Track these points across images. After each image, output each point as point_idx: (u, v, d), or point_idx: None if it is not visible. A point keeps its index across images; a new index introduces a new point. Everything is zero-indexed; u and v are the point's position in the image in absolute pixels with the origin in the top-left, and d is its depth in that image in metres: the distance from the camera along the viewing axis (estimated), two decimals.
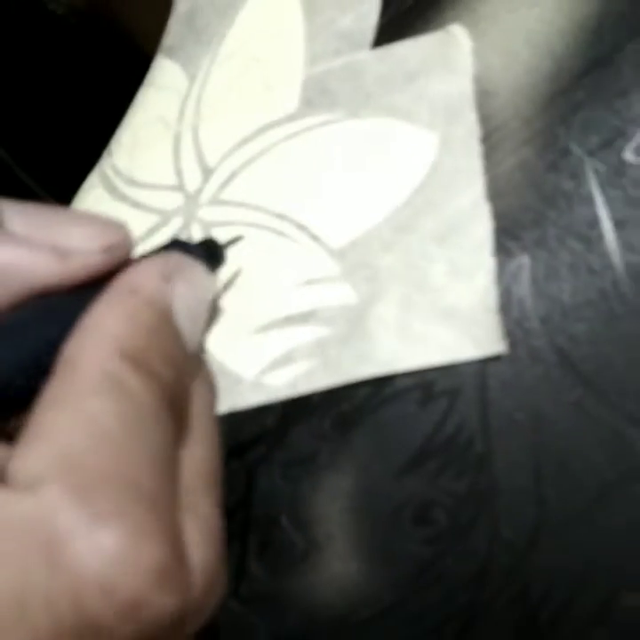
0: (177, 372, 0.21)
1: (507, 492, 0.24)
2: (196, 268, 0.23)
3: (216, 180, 0.27)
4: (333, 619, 0.25)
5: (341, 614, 0.25)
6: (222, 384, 0.26)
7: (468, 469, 0.24)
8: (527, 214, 0.24)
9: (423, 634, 0.24)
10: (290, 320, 0.25)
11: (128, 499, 0.18)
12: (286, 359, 0.25)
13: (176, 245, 0.25)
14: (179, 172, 0.28)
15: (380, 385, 0.24)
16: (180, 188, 0.28)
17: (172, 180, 0.28)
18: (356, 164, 0.26)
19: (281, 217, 0.26)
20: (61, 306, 0.22)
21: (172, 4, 0.41)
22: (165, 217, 0.28)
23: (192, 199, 0.28)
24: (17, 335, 0.21)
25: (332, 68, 0.27)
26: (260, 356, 0.25)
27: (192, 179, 0.28)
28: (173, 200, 0.28)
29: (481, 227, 0.24)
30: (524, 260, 0.24)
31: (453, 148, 0.25)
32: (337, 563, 0.25)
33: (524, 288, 0.24)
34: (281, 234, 0.26)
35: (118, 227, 0.23)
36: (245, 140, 0.27)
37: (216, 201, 0.27)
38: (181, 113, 0.29)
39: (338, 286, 0.25)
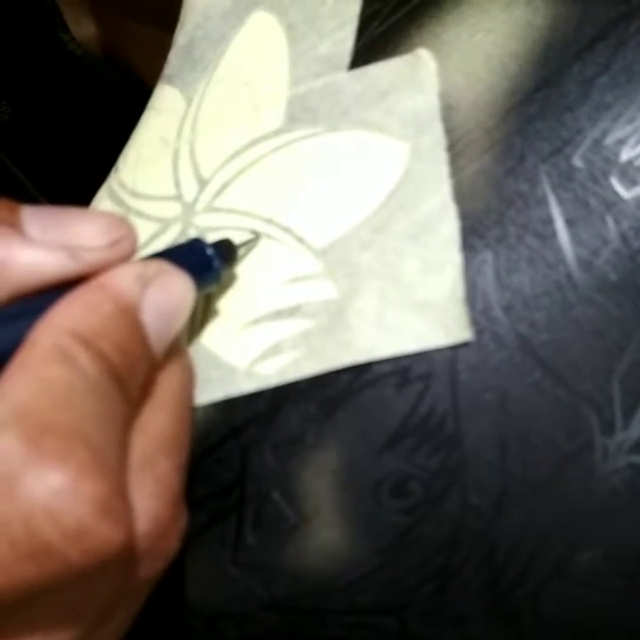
0: (128, 358, 0.23)
1: (475, 465, 0.25)
2: (176, 276, 0.24)
3: (210, 189, 0.29)
4: (322, 582, 0.26)
5: (329, 578, 0.26)
6: (217, 374, 0.27)
7: (441, 446, 0.25)
8: (489, 214, 0.25)
9: (402, 593, 0.25)
10: (277, 314, 0.26)
11: (73, 444, 0.21)
12: (275, 350, 0.26)
13: (195, 243, 0.26)
14: (177, 184, 0.29)
15: (360, 371, 0.25)
16: (178, 198, 0.29)
17: (171, 191, 0.29)
18: (336, 171, 0.27)
19: (268, 221, 0.27)
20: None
21: (170, 40, 0.42)
22: (165, 224, 0.29)
23: (189, 207, 0.29)
24: (19, 320, 0.23)
25: (313, 88, 0.28)
26: (252, 347, 0.26)
27: (189, 189, 0.29)
28: (172, 209, 0.29)
29: (448, 226, 0.25)
30: (488, 256, 0.25)
31: (422, 156, 0.26)
32: (324, 532, 0.26)
33: (487, 281, 0.25)
34: (269, 236, 0.27)
35: (121, 222, 0.25)
36: (237, 153, 0.29)
37: (210, 208, 0.28)
38: (179, 131, 0.30)
39: (320, 283, 0.26)
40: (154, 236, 0.29)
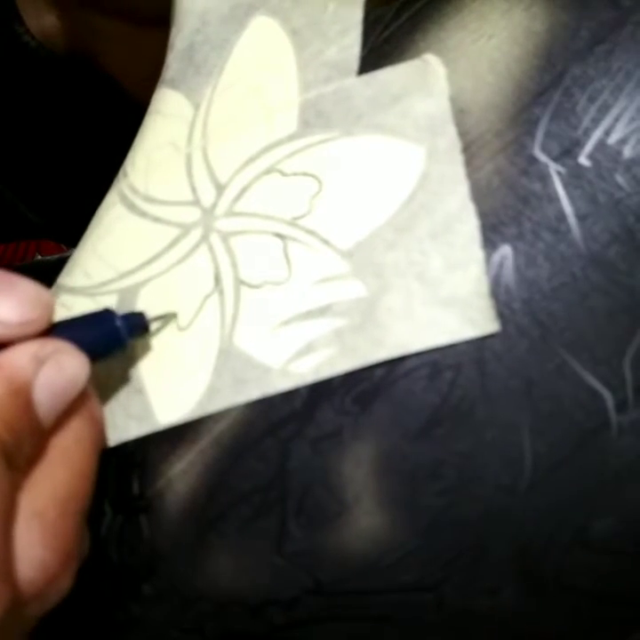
0: (17, 435, 0.24)
1: (504, 447, 0.26)
2: (71, 355, 0.26)
3: (229, 194, 0.29)
4: (364, 565, 0.27)
5: (371, 561, 0.27)
6: (252, 375, 0.27)
7: (472, 431, 0.26)
8: (506, 212, 0.26)
9: (439, 570, 0.27)
10: (309, 314, 0.27)
11: None
12: (308, 349, 0.27)
13: (105, 314, 0.28)
14: (193, 189, 0.30)
15: (392, 365, 0.26)
16: (195, 203, 0.29)
17: (187, 196, 0.30)
18: (354, 174, 0.28)
19: (291, 224, 0.28)
20: None
21: (145, 37, 0.42)
22: (185, 229, 0.29)
23: (208, 212, 0.29)
24: None
25: (325, 94, 0.29)
26: (285, 347, 0.27)
27: (206, 194, 0.29)
28: (191, 214, 0.29)
29: (469, 224, 0.26)
30: (507, 252, 0.26)
31: (439, 158, 0.27)
32: (365, 518, 0.27)
33: (508, 275, 0.26)
34: (293, 239, 0.28)
35: (39, 302, 0.26)
36: (252, 159, 0.29)
37: (231, 213, 0.29)
38: (190, 137, 0.30)
39: (349, 282, 0.27)
40: (174, 242, 0.29)
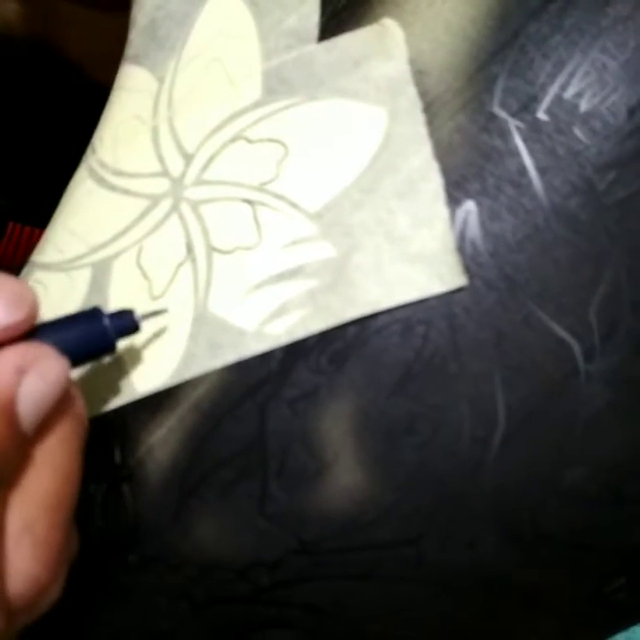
0: (2, 453, 0.24)
1: (477, 399, 0.26)
2: (54, 362, 0.25)
3: (196, 163, 0.29)
4: (345, 522, 0.27)
5: (352, 517, 0.27)
6: (227, 339, 0.27)
7: (444, 385, 0.26)
8: (469, 169, 0.27)
9: (418, 525, 0.27)
10: (280, 277, 0.27)
11: None
12: (282, 310, 0.27)
13: (93, 313, 0.27)
14: (161, 160, 0.30)
15: (365, 323, 0.26)
16: (164, 173, 0.29)
17: (155, 167, 0.30)
18: (319, 138, 0.28)
19: (260, 189, 0.28)
20: None
21: (104, 20, 0.42)
22: (155, 200, 0.29)
23: (177, 182, 0.29)
24: None
25: (287, 61, 0.29)
26: (258, 310, 0.27)
27: (174, 165, 0.29)
28: (160, 185, 0.29)
29: (433, 182, 0.26)
30: (471, 207, 0.26)
31: (401, 118, 0.27)
32: (345, 476, 0.27)
33: (473, 230, 0.26)
34: (262, 204, 0.28)
35: (25, 301, 0.25)
36: (219, 127, 0.29)
37: (199, 182, 0.29)
38: (155, 110, 0.30)
39: (319, 244, 0.27)
40: (145, 213, 0.29)
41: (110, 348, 0.27)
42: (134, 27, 0.32)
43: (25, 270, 0.32)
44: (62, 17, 0.43)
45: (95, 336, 0.27)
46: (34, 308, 0.25)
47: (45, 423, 0.25)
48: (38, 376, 0.25)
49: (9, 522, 0.24)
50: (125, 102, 0.31)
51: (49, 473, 0.25)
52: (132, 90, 0.31)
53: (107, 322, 0.27)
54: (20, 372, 0.24)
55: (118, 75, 0.32)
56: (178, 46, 0.31)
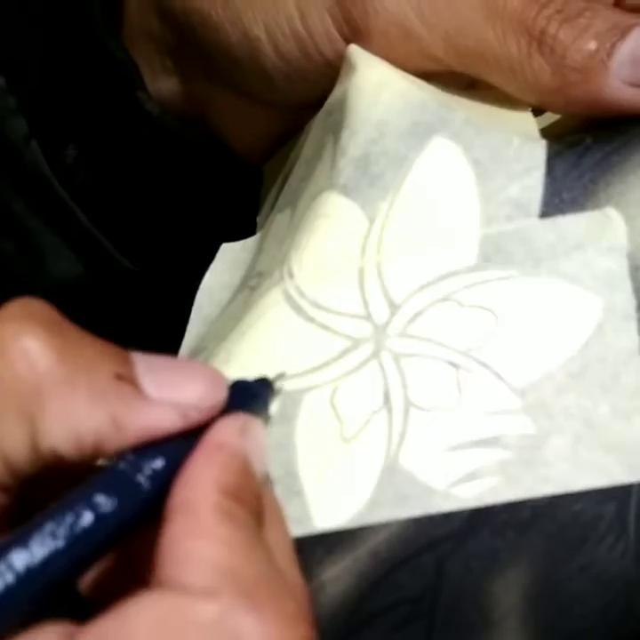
0: (258, 501, 0.33)
1: None
2: (257, 424, 0.35)
3: (403, 315, 0.38)
4: None
5: None
6: (415, 493, 0.36)
7: (616, 567, 0.35)
8: None
9: None
10: (476, 443, 0.36)
11: (279, 597, 0.30)
12: (473, 475, 0.36)
13: (241, 384, 0.36)
14: (365, 304, 0.39)
15: (553, 500, 0.35)
16: (367, 318, 0.38)
17: (359, 310, 0.39)
18: (531, 315, 0.37)
19: (465, 354, 0.37)
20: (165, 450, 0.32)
21: (262, 114, 0.51)
22: (355, 342, 0.38)
23: (380, 330, 0.38)
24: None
25: (506, 231, 0.38)
26: (450, 472, 0.36)
27: (379, 311, 0.38)
28: (362, 328, 0.38)
29: (636, 377, 0.36)
30: None
31: (614, 312, 0.37)
32: (507, 636, 0.35)
33: None
34: (466, 370, 0.36)
35: (221, 383, 0.34)
36: (429, 284, 0.38)
37: (404, 334, 0.38)
38: (363, 250, 0.39)
39: (520, 419, 0.36)
40: (344, 353, 0.38)
41: (266, 412, 0.37)
42: (345, 155, 0.41)
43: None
44: (216, 101, 0.53)
45: (256, 404, 0.36)
46: (226, 389, 0.34)
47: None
48: (254, 437, 0.34)
49: None
50: (331, 233, 0.40)
51: (282, 525, 0.34)
52: (340, 222, 0.40)
53: (257, 389, 0.37)
54: (242, 434, 0.33)
55: (321, 201, 0.41)
56: (392, 188, 0.40)
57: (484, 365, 0.38)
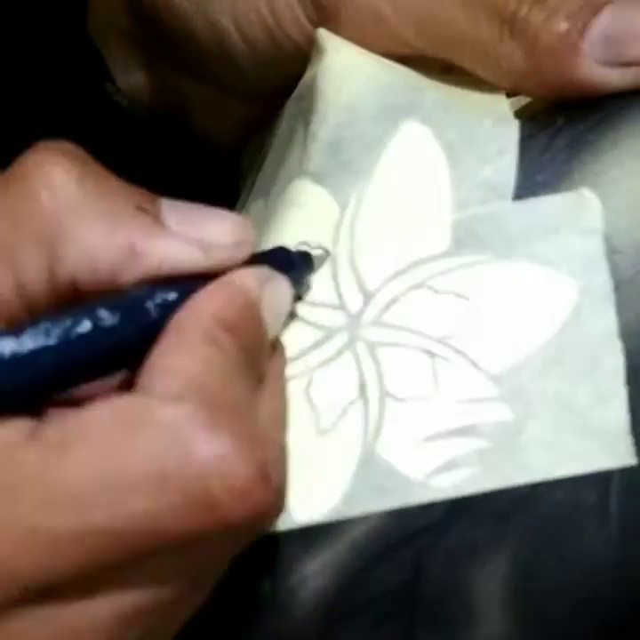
0: (256, 344, 0.33)
1: (627, 570, 0.34)
2: (282, 280, 0.35)
3: (377, 303, 0.37)
4: None
5: None
6: (393, 484, 0.35)
7: (599, 550, 0.34)
8: None
9: None
10: (453, 432, 0.35)
11: (242, 421, 0.30)
12: (450, 465, 0.35)
13: (281, 251, 0.37)
14: (339, 293, 0.38)
15: (532, 488, 0.34)
16: (341, 307, 0.37)
17: (333, 299, 0.38)
18: (507, 300, 0.36)
19: (441, 342, 0.36)
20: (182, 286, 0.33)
21: (235, 105, 0.50)
22: (330, 333, 0.37)
23: (354, 319, 0.37)
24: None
25: (479, 215, 0.37)
26: (428, 461, 0.35)
27: (353, 300, 0.38)
28: (336, 318, 0.38)
29: (615, 360, 0.35)
30: None
31: (591, 295, 0.36)
32: (492, 630, 0.35)
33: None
34: (442, 358, 0.36)
35: (246, 224, 0.34)
36: (402, 271, 0.37)
37: (378, 323, 0.37)
38: (336, 239, 0.38)
39: (496, 406, 0.35)
40: (318, 344, 0.38)
41: (303, 283, 0.38)
42: (315, 141, 0.40)
43: None
44: (187, 92, 0.52)
45: (291, 271, 0.37)
46: (254, 235, 0.35)
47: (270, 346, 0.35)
48: (274, 290, 0.34)
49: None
50: (302, 222, 0.39)
51: (278, 393, 0.35)
52: (311, 210, 0.39)
53: (295, 257, 0.37)
54: (260, 282, 0.34)
55: (293, 188, 0.40)
56: (363, 174, 0.39)
57: (460, 353, 0.37)
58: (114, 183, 0.33)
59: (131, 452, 0.29)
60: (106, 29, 0.53)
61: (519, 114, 0.42)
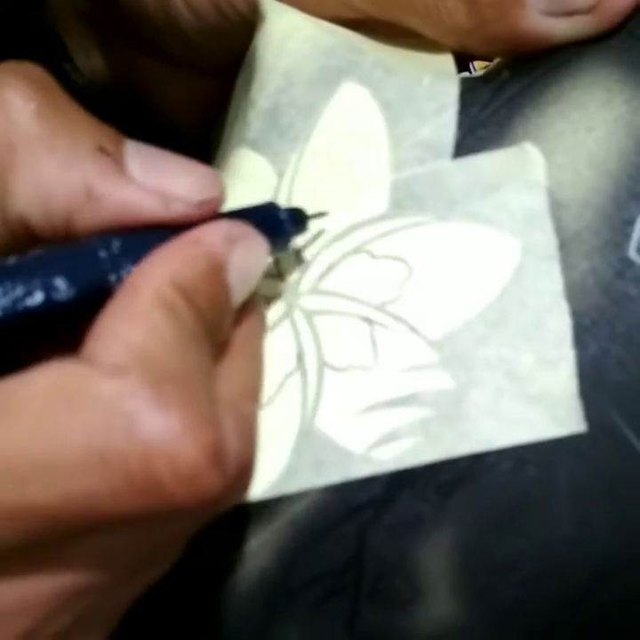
0: (217, 313, 0.31)
1: (583, 544, 0.32)
2: (257, 240, 0.33)
3: (314, 271, 0.36)
4: None
5: None
6: (333, 458, 0.34)
7: (551, 527, 0.32)
8: (599, 313, 0.33)
9: None
10: (393, 402, 0.33)
11: (191, 394, 0.27)
12: (391, 436, 0.33)
13: (269, 207, 0.35)
14: (276, 262, 0.36)
15: (476, 458, 0.33)
16: (278, 276, 0.36)
17: (270, 268, 0.36)
18: (446, 263, 0.34)
19: (379, 308, 0.34)
20: (142, 240, 0.30)
21: (193, 80, 0.48)
22: (267, 302, 0.36)
23: (292, 288, 0.35)
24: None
25: (418, 175, 0.35)
26: (368, 433, 0.34)
27: (289, 268, 0.35)
28: (273, 287, 0.36)
29: (561, 323, 0.33)
30: (597, 353, 0.33)
31: (535, 253, 0.34)
32: (437, 605, 0.33)
33: (597, 376, 0.33)
34: (380, 324, 0.34)
35: (216, 180, 0.32)
36: (340, 236, 0.36)
37: (316, 291, 0.35)
38: None
39: (437, 373, 0.33)
40: None
41: (286, 240, 0.35)
42: (254, 107, 0.39)
43: None
44: (144, 69, 0.50)
45: (273, 227, 0.34)
46: (223, 192, 0.32)
47: (242, 308, 0.32)
48: (245, 250, 0.32)
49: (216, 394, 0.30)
50: (241, 193, 0.37)
51: (247, 360, 0.32)
52: (250, 180, 0.38)
53: (283, 215, 0.35)
54: (231, 241, 0.31)
55: (233, 158, 0.38)
56: (301, 139, 0.38)
57: (399, 319, 0.35)
58: (77, 116, 0.31)
59: (67, 428, 0.26)
60: (62, 8, 0.52)
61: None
